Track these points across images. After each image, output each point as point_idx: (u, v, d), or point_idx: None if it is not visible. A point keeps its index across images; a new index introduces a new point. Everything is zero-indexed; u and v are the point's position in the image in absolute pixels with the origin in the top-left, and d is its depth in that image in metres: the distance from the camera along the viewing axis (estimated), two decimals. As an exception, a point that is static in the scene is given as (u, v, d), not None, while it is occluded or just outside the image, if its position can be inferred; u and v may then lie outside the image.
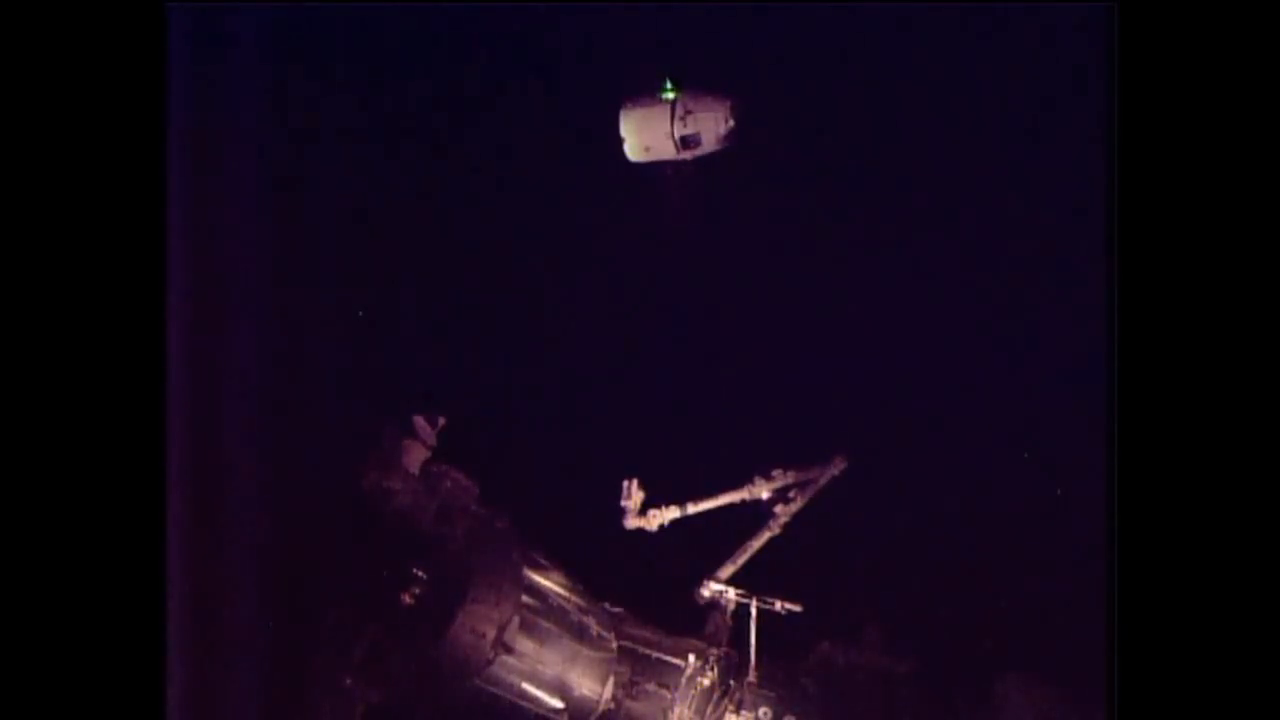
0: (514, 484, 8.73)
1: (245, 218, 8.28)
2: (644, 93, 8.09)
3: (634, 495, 8.67)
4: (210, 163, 7.86)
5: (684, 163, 8.13)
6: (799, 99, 8.84)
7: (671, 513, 8.73)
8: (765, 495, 8.80)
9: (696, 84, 8.07)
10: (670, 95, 8.03)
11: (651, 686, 8.49)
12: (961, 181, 8.90)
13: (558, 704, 8.31)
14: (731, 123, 8.03)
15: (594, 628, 8.48)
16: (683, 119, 8.01)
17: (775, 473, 8.83)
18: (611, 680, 8.43)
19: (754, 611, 8.51)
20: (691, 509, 8.78)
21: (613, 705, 8.43)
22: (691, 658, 8.51)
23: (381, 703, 8.14)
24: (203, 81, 7.74)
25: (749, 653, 8.50)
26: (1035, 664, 8.53)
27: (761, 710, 8.43)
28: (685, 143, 8.04)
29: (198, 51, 7.61)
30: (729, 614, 8.63)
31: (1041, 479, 8.84)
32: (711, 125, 8.02)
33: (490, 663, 8.04)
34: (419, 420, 8.40)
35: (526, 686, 8.23)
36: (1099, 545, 5.92)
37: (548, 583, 8.46)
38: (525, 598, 8.22)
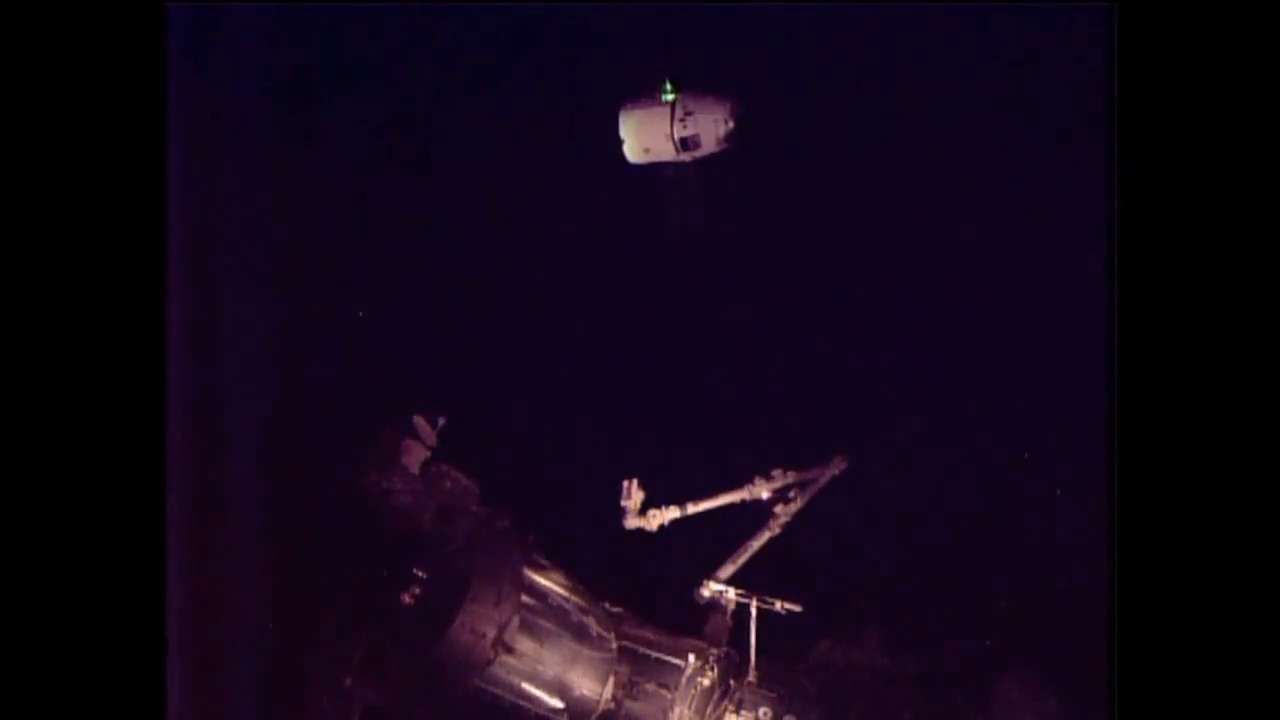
0: (514, 484, 8.73)
1: (245, 218, 8.28)
2: (644, 94, 8.09)
3: (634, 495, 8.66)
4: (210, 163, 7.87)
5: (684, 164, 8.13)
6: (799, 99, 8.83)
7: (671, 513, 8.72)
8: (765, 495, 8.79)
9: (696, 85, 8.07)
10: (670, 96, 8.02)
11: (651, 686, 8.49)
12: (961, 182, 8.89)
13: (558, 704, 8.32)
14: (731, 124, 8.02)
15: (594, 628, 8.48)
16: (682, 120, 8.00)
17: (775, 473, 8.81)
18: (611, 680, 8.43)
19: (754, 611, 8.51)
20: (691, 509, 8.77)
21: (613, 705, 8.44)
22: (691, 658, 8.51)
23: (381, 703, 8.15)
24: (203, 81, 7.75)
25: (749, 653, 8.50)
26: (1035, 664, 8.53)
27: (761, 710, 8.43)
28: (685, 144, 8.03)
29: (198, 51, 7.61)
30: (729, 614, 8.63)
31: (1041, 479, 8.84)
32: (711, 127, 8.01)
33: (490, 663, 8.05)
34: (419, 420, 8.41)
35: (526, 686, 8.23)
36: (1099, 545, 5.92)
37: (548, 583, 8.47)
38: (525, 598, 8.23)
